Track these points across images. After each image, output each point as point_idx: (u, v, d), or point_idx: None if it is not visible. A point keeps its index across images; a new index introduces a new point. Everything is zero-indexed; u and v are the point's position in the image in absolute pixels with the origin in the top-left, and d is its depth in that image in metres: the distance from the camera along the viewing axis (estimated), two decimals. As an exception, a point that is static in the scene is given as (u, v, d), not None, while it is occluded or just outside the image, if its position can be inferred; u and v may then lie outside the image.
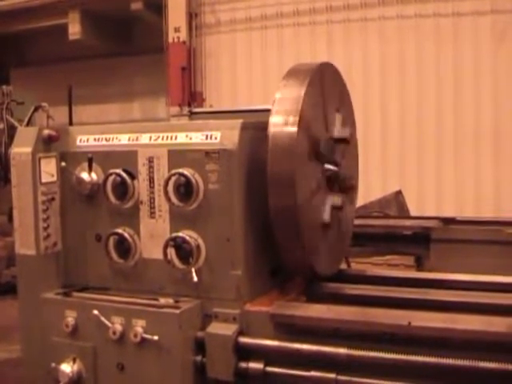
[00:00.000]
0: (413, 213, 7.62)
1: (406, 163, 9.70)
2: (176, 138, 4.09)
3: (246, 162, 3.97)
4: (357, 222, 5.12)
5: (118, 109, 13.93)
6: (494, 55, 9.34)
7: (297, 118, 3.84)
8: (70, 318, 4.04)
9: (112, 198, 4.16)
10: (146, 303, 3.98)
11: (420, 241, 5.73)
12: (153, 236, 4.11)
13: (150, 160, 4.10)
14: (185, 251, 3.94)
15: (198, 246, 3.94)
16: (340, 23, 10.20)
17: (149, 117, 13.00)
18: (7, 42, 14.20)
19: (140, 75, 13.39)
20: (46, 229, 4.27)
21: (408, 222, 6.21)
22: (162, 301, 3.99)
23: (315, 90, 4.14)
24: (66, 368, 4.00)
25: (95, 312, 3.93)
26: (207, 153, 3.93)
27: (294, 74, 4.16)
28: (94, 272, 4.30)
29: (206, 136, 3.99)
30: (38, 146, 4.25)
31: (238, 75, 10.80)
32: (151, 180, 4.10)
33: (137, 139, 4.20)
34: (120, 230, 4.15)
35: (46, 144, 4.31)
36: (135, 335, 3.84)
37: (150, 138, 4.16)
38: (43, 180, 4.26)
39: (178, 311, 3.85)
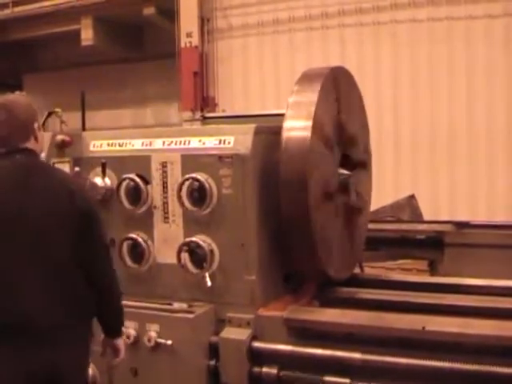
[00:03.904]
0: (426, 217, 7.58)
1: (418, 167, 9.66)
2: (189, 142, 4.10)
3: (260, 166, 3.97)
4: (370, 226, 5.12)
5: (131, 114, 13.92)
6: (507, 58, 9.29)
7: (310, 123, 3.84)
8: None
9: (126, 203, 4.17)
10: (160, 308, 3.99)
11: (433, 245, 5.71)
12: (166, 241, 4.12)
13: (164, 165, 4.11)
14: (198, 256, 3.95)
15: (211, 251, 3.94)
16: (352, 27, 10.16)
17: (161, 122, 12.99)
18: (20, 47, 14.22)
19: (152, 80, 13.37)
20: (60, 234, 4.28)
21: (421, 227, 6.19)
22: (176, 305, 4.00)
23: (328, 94, 4.14)
24: (80, 373, 4.00)
25: (109, 317, 3.93)
26: (221, 157, 3.93)
27: (307, 78, 4.16)
28: (107, 277, 4.30)
29: (220, 141, 3.99)
30: (52, 151, 4.27)
31: (250, 80, 10.77)
32: (165, 185, 4.11)
33: (150, 144, 4.21)
34: (134, 235, 4.16)
35: (60, 149, 4.32)
36: (149, 340, 3.85)
37: (164, 142, 4.18)
38: (57, 185, 4.26)
39: (191, 316, 3.86)
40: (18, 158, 3.17)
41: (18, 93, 3.60)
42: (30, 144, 3.23)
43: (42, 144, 3.44)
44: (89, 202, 3.28)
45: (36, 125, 3.28)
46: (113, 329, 3.38)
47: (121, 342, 3.41)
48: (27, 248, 3.04)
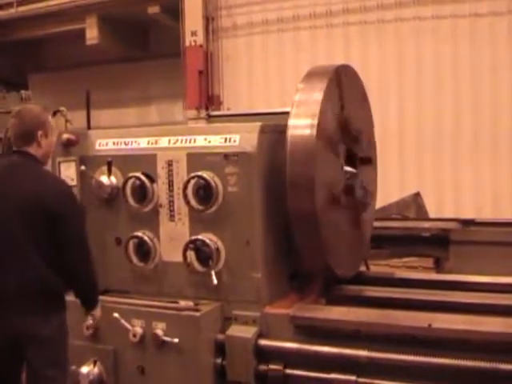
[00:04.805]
0: (431, 215, 7.57)
1: (424, 164, 9.65)
2: (195, 141, 4.10)
3: (265, 164, 3.97)
4: (375, 224, 5.11)
5: (136, 113, 13.91)
6: (512, 56, 9.29)
7: (316, 121, 3.84)
8: (91, 320, 4.04)
9: (131, 202, 4.17)
10: (166, 306, 3.99)
11: (439, 243, 5.71)
12: (172, 239, 4.13)
13: (169, 163, 4.11)
14: (204, 254, 3.95)
15: (217, 249, 3.95)
16: (356, 25, 10.15)
17: (166, 120, 12.98)
18: (25, 47, 14.23)
19: (157, 79, 13.36)
20: (66, 232, 4.32)
21: (427, 224, 6.19)
22: (182, 303, 4.00)
23: (333, 92, 4.14)
24: (87, 371, 4.02)
25: (116, 315, 3.95)
26: (226, 156, 3.93)
27: (311, 76, 4.16)
28: (114, 275, 4.31)
29: (225, 139, 3.99)
30: (58, 150, 4.28)
31: (255, 78, 10.77)
32: (170, 183, 4.12)
33: (156, 143, 4.22)
34: (140, 234, 4.17)
35: (66, 148, 4.34)
36: (155, 338, 3.86)
37: (169, 141, 4.18)
38: (63, 184, 4.28)
39: (198, 314, 3.86)
40: (14, 158, 3.74)
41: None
42: (32, 149, 3.71)
43: (48, 150, 3.80)
44: (63, 204, 3.65)
45: (40, 133, 3.71)
46: (87, 304, 3.84)
47: (97, 310, 3.88)
48: (4, 233, 3.57)
